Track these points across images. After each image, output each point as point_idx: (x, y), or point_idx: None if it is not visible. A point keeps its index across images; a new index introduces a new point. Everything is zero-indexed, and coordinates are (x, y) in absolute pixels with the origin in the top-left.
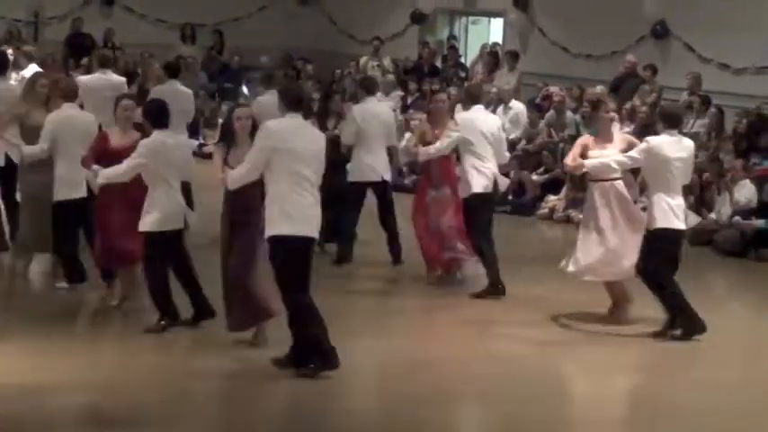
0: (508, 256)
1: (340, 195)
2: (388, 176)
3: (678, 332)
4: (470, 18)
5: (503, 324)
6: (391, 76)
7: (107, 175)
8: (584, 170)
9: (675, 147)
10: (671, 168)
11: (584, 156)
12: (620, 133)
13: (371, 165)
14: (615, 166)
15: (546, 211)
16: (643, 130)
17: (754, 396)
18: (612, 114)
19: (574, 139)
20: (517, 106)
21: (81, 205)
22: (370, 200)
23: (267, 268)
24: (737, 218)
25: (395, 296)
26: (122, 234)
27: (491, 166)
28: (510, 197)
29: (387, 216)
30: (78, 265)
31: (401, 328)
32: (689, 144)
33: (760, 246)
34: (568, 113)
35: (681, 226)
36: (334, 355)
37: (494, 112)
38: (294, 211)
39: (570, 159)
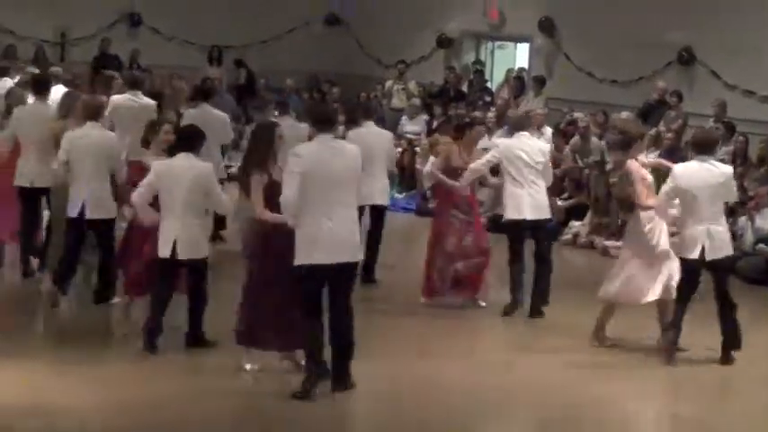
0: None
1: None
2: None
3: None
4: (496, 43)
5: (520, 349)
6: (417, 100)
7: (133, 201)
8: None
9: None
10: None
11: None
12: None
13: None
14: None
15: (569, 236)
16: (668, 156)
17: None
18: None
19: (598, 164)
20: (547, 132)
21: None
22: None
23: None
24: (761, 245)
25: (411, 318)
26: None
27: (527, 192)
28: None
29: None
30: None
31: (417, 351)
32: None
33: None
34: (593, 139)
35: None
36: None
37: None
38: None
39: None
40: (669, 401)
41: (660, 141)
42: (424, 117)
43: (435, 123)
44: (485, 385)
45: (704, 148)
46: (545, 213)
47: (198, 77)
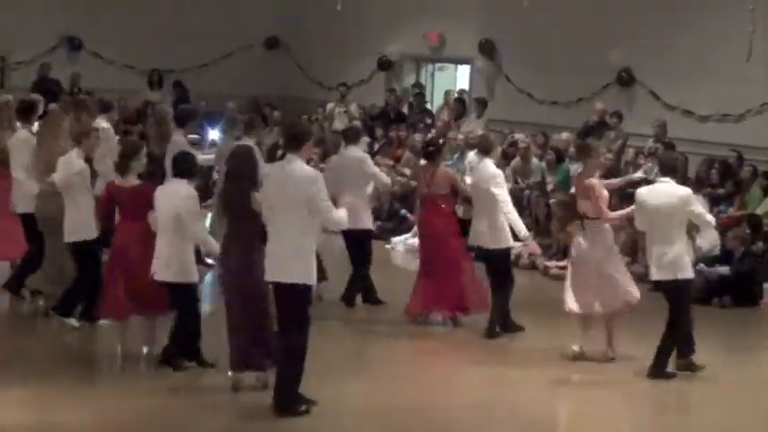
0: None
1: None
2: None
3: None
4: (437, 65)
5: (474, 368)
6: (358, 123)
7: None
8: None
9: (656, 194)
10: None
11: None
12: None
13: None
14: None
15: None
16: (608, 177)
17: None
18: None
19: (539, 185)
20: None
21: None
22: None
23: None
24: (702, 265)
25: (379, 337)
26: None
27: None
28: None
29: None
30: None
31: (388, 372)
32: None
33: (724, 293)
34: (534, 160)
35: (654, 276)
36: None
37: (460, 158)
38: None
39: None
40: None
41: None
42: (366, 139)
43: (377, 146)
44: (462, 404)
45: (664, 169)
46: None
47: (138, 101)
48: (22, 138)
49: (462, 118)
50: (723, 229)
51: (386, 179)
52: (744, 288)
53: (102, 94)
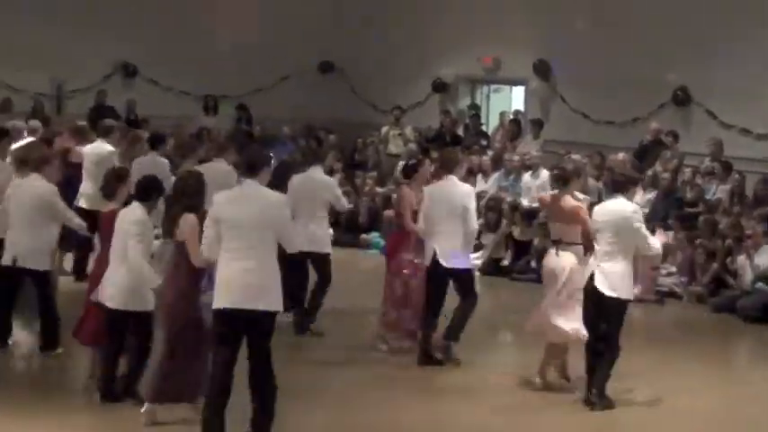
0: (511, 323)
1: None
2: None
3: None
4: (492, 86)
5: (479, 393)
6: (413, 145)
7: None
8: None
9: (603, 210)
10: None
11: None
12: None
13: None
14: None
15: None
16: (666, 197)
17: None
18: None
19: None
20: (543, 174)
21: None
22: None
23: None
24: (760, 283)
25: (348, 366)
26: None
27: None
28: (534, 265)
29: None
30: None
31: (356, 399)
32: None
33: None
34: (590, 181)
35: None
36: None
37: (516, 180)
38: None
39: None
40: None
41: (657, 182)
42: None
43: (432, 168)
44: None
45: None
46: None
47: (193, 127)
48: None
49: (518, 139)
50: None
51: (345, 203)
52: None
53: (157, 121)
